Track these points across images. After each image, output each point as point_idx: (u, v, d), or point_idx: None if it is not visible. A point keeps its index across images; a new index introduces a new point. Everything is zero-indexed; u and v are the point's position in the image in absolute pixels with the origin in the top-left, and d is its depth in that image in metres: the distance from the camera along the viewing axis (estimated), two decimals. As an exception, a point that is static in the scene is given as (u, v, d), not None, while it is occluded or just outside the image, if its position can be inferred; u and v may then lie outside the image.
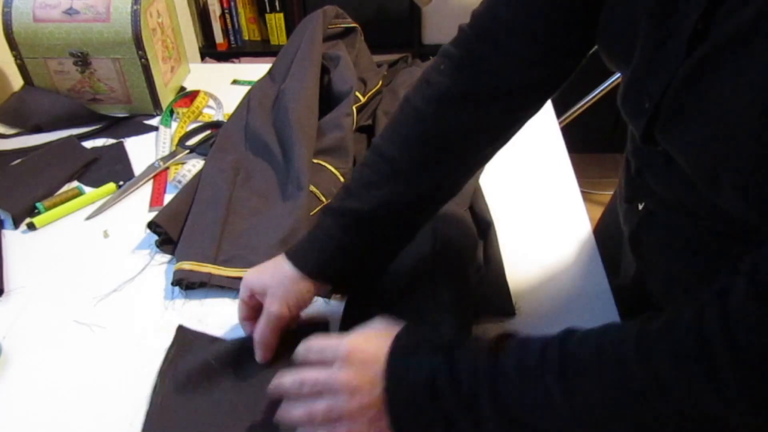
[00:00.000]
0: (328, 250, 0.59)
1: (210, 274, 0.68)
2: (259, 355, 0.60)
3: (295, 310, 0.60)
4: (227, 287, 0.69)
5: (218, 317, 0.66)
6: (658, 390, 0.39)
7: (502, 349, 0.45)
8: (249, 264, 0.69)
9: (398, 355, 0.47)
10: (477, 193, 0.77)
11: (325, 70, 0.97)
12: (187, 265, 0.68)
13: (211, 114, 1.04)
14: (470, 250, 0.67)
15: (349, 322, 0.62)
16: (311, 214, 0.76)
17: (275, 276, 0.59)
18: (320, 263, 0.59)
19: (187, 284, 0.68)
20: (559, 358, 0.42)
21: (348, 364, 0.48)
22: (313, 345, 0.52)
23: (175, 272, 0.68)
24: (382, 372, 0.47)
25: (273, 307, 0.58)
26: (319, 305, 0.67)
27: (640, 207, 0.58)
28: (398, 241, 0.63)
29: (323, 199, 0.79)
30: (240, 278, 0.68)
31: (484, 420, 0.44)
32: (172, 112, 1.03)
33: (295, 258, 0.59)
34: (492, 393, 0.43)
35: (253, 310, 0.61)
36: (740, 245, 0.45)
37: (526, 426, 0.43)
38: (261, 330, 0.59)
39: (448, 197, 0.62)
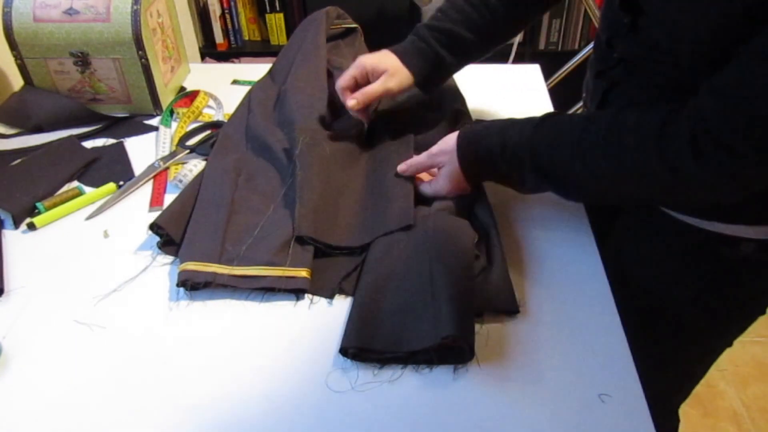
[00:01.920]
0: (428, 59, 0.83)
1: (215, 273, 0.68)
2: (352, 103, 0.82)
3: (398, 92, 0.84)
4: (231, 286, 0.68)
5: (221, 318, 0.66)
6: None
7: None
8: (253, 263, 0.69)
9: (464, 146, 0.71)
10: (480, 193, 0.77)
11: (328, 74, 0.97)
12: (191, 266, 0.68)
13: (211, 114, 1.04)
14: (469, 247, 0.67)
15: (356, 320, 0.62)
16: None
17: (393, 62, 0.82)
18: (421, 68, 0.83)
19: (191, 285, 0.68)
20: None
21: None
22: (411, 164, 0.76)
23: (180, 273, 0.68)
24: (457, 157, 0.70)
25: (391, 82, 0.82)
26: (321, 305, 0.67)
27: (605, 83, 0.73)
28: (471, 57, 0.88)
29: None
30: (243, 277, 0.68)
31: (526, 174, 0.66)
32: (172, 112, 1.03)
33: (404, 58, 0.83)
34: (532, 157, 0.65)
35: (355, 83, 0.83)
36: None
37: (556, 180, 0.65)
38: (371, 90, 0.81)
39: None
